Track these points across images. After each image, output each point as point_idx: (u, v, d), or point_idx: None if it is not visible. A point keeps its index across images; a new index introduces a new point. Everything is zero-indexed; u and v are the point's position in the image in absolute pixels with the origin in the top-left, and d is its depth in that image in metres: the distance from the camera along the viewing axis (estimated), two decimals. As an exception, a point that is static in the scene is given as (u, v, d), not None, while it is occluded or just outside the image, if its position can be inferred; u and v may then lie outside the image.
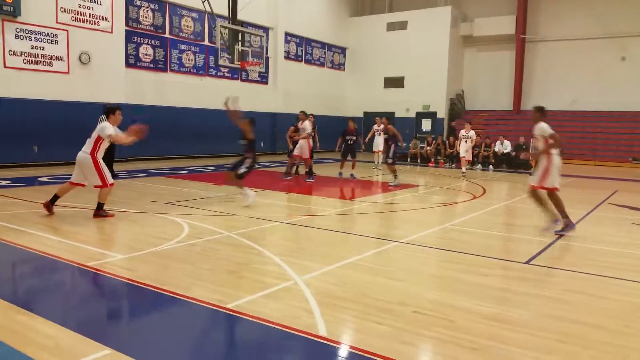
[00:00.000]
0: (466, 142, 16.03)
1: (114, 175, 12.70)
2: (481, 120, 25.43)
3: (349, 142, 14.29)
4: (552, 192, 7.22)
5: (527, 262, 5.76)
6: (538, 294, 4.68)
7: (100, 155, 7.60)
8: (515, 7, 24.67)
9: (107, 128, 7.62)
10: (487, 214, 9.06)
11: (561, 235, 7.12)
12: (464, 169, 16.05)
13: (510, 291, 4.80)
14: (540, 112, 7.39)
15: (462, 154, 16.26)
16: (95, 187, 7.60)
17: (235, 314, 3.96)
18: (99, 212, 7.67)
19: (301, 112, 13.45)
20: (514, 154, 18.63)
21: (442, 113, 25.88)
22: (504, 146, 19.12)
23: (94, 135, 7.58)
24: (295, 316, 3.89)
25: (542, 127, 7.19)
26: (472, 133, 16.07)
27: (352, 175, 13.89)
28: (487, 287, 4.85)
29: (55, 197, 7.77)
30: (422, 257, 6.06)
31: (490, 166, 18.71)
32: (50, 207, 7.72)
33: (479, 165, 18.94)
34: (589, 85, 23.78)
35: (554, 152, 7.15)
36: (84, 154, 7.53)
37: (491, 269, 5.55)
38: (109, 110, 8.09)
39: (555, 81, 24.71)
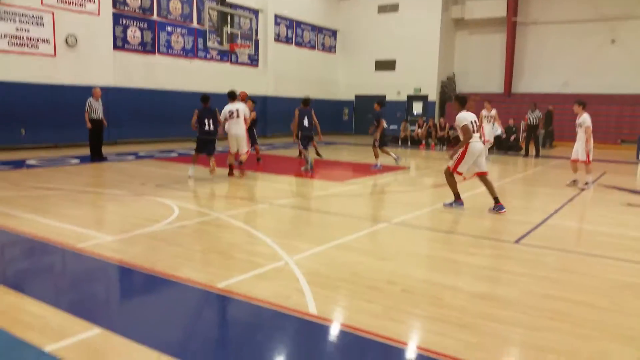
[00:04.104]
0: (489, 122, 14.56)
1: (103, 158, 12.65)
2: (472, 103, 25.42)
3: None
4: (449, 171, 7.60)
5: (516, 242, 5.80)
6: (527, 272, 4.71)
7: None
8: (507, -10, 24.53)
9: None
10: (477, 195, 9.09)
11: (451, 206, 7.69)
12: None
13: (499, 270, 4.84)
14: (459, 103, 7.60)
15: (487, 136, 14.11)
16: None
17: (225, 293, 3.95)
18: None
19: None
20: (504, 136, 18.65)
21: (433, 96, 25.82)
22: (494, 129, 19.09)
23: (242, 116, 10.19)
24: (285, 296, 3.90)
25: (458, 118, 7.45)
26: (494, 112, 14.69)
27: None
28: (475, 267, 4.88)
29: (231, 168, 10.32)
30: (411, 238, 6.08)
31: (481, 149, 18.72)
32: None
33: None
34: (579, 68, 23.79)
35: (473, 140, 7.35)
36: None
37: (480, 248, 5.58)
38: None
39: (546, 64, 24.69)
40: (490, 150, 18.60)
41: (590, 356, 3.09)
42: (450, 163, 7.59)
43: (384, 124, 12.30)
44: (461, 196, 7.72)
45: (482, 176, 7.60)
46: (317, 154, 13.82)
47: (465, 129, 7.31)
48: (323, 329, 3.43)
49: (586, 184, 9.96)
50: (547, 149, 19.68)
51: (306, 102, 11.74)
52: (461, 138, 7.44)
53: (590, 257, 5.31)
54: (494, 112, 14.56)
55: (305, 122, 11.47)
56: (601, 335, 3.41)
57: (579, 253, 5.48)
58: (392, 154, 12.71)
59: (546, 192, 9.83)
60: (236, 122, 10.20)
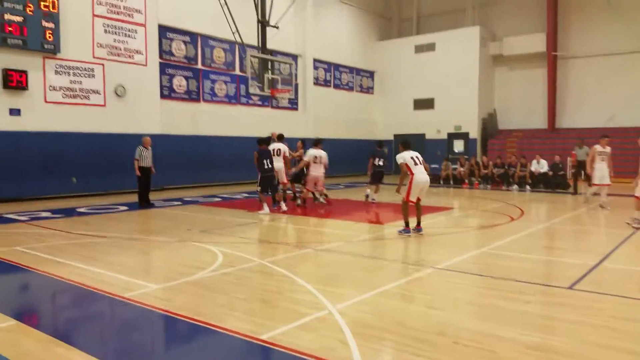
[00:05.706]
0: (603, 160, 12.64)
1: (150, 204, 13.00)
2: (515, 140, 25.00)
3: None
4: (404, 202, 8.85)
5: (570, 287, 5.53)
6: (583, 321, 4.47)
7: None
8: (545, 24, 24.36)
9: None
10: (526, 236, 8.80)
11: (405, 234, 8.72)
12: (604, 198, 12.68)
13: (554, 319, 4.60)
14: (402, 146, 9.03)
15: (598, 179, 12.61)
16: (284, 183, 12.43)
17: (269, 345, 3.90)
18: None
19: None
20: (551, 173, 18.15)
21: (474, 133, 25.55)
22: (540, 165, 18.65)
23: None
24: (330, 348, 3.81)
25: (397, 157, 8.85)
26: (609, 149, 12.70)
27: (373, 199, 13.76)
28: (528, 315, 4.67)
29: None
30: (459, 284, 5.90)
31: (527, 187, 18.27)
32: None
33: (515, 185, 18.53)
34: (625, 100, 23.09)
35: (417, 173, 8.65)
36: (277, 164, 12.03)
37: (533, 295, 5.34)
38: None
39: (590, 98, 24.14)
40: (534, 186, 18.11)
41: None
42: (402, 194, 8.91)
43: (376, 162, 13.72)
44: (421, 224, 8.81)
45: (418, 201, 8.91)
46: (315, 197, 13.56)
47: (402, 166, 8.73)
48: (370, 385, 3.32)
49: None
50: None
51: (266, 141, 12.07)
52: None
53: (652, 303, 5.00)
54: (608, 149, 12.66)
55: (267, 164, 11.57)
56: (672, 393, 3.16)
57: (637, 299, 5.17)
58: (367, 191, 13.89)
59: (600, 232, 9.43)
60: (319, 165, 12.42)
